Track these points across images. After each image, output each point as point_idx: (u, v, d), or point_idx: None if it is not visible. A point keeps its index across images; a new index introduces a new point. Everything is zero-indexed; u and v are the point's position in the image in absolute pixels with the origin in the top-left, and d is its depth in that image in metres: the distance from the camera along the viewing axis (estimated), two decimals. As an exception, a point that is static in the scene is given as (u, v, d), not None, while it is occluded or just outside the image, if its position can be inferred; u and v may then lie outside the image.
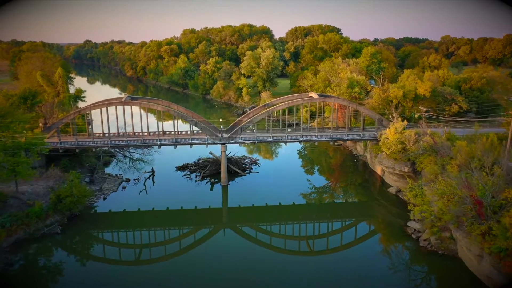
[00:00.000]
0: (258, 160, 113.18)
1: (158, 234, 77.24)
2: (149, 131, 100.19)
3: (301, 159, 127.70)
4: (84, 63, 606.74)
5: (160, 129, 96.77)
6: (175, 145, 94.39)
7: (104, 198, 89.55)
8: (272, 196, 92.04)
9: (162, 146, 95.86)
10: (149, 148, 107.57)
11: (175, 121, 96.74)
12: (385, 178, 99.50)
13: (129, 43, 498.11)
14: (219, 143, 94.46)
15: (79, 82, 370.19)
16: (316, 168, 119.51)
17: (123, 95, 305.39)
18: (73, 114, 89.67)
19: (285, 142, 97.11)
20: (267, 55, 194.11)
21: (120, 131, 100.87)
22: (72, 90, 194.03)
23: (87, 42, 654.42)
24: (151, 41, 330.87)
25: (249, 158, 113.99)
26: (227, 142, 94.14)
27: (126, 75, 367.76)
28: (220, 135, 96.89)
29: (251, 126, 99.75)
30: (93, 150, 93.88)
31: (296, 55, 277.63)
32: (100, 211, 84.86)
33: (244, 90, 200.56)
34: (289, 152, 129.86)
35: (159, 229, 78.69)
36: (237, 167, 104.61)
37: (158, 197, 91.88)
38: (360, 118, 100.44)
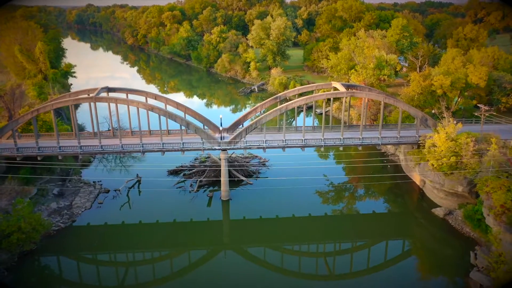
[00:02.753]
0: (267, 160, 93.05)
1: (146, 256, 65.18)
2: (132, 129, 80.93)
3: (318, 156, 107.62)
4: (86, 28, 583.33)
5: (147, 124, 77.97)
6: (162, 151, 74.78)
7: (73, 221, 70.87)
8: (284, 206, 76.51)
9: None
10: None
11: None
12: (426, 190, 79.36)
13: (132, 8, 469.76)
14: (218, 149, 74.66)
15: (82, 48, 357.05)
16: (336, 167, 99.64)
17: (125, 64, 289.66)
18: (29, 114, 69.93)
19: (302, 148, 76.79)
20: (278, 24, 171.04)
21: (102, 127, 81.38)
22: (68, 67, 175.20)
23: (89, 6, 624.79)
24: (153, 6, 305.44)
25: (256, 157, 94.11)
26: (228, 147, 74.28)
27: (127, 43, 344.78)
28: (220, 135, 76.99)
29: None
30: (59, 157, 74.54)
31: (309, 22, 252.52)
32: (65, 240, 66.56)
33: (252, 64, 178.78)
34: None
35: (147, 251, 65.66)
36: (242, 173, 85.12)
37: (145, 212, 74.64)
38: (390, 109, 79.18)
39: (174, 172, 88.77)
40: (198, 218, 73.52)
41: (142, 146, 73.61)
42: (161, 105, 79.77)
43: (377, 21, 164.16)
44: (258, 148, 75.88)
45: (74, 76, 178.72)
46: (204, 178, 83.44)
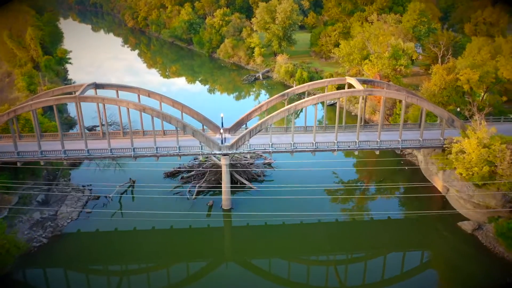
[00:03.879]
0: (273, 161, 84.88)
1: (140, 269, 59.98)
2: (124, 128, 73.04)
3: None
4: (87, 9, 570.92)
5: (140, 123, 70.70)
6: (156, 156, 67.04)
7: (57, 235, 63.54)
8: (291, 212, 67.90)
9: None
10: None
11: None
12: (449, 198, 71.23)
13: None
14: (218, 154, 66.82)
15: (84, 30, 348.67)
16: (347, 164, 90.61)
17: (125, 47, 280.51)
18: (6, 116, 62.03)
19: (313, 152, 68.75)
20: (284, 7, 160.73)
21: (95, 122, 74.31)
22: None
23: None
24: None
25: (261, 157, 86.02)
26: (230, 152, 66.38)
27: (128, 26, 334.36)
28: (221, 136, 69.04)
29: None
30: (41, 163, 66.92)
31: (316, 4, 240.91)
32: (47, 257, 59.65)
33: (257, 50, 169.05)
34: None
35: (142, 263, 60.55)
36: (245, 176, 77.47)
37: (139, 221, 66.82)
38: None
39: (171, 175, 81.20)
40: (197, 227, 67.10)
41: (134, 151, 65.81)
42: (155, 103, 71.91)
43: (390, 4, 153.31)
44: (264, 152, 68.29)
45: (70, 63, 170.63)
46: (203, 182, 75.82)
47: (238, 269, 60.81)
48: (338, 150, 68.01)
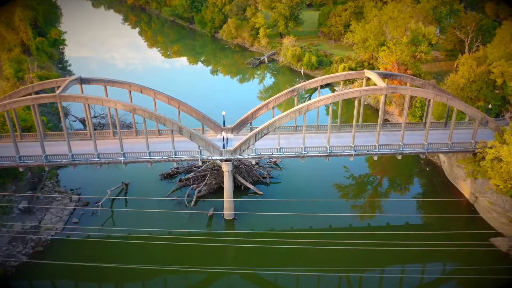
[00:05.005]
0: (280, 160, 77.17)
1: (133, 282, 54.73)
2: (113, 127, 65.36)
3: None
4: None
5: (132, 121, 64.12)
6: (149, 162, 59.38)
7: (39, 251, 56.61)
8: (299, 217, 62.91)
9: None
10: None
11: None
12: (478, 208, 63.56)
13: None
14: (219, 159, 59.13)
15: (83, 6, 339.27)
16: (361, 162, 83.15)
17: (126, 25, 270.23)
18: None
19: (327, 157, 60.83)
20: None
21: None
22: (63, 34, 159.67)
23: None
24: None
25: (266, 157, 78.18)
26: (233, 157, 58.62)
27: (127, 3, 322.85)
28: (222, 138, 61.15)
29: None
30: (20, 169, 59.59)
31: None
32: (27, 278, 53.31)
33: (262, 30, 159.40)
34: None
35: (135, 277, 54.67)
36: (249, 179, 70.02)
37: (132, 229, 60.43)
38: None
39: (168, 176, 73.90)
40: (196, 235, 60.24)
41: (124, 156, 58.21)
42: (148, 100, 63.91)
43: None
44: (271, 157, 60.54)
45: (65, 44, 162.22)
46: (203, 186, 68.44)
47: (241, 283, 55.97)
48: (355, 155, 59.97)
